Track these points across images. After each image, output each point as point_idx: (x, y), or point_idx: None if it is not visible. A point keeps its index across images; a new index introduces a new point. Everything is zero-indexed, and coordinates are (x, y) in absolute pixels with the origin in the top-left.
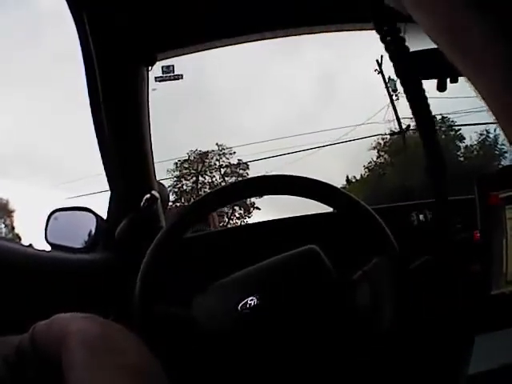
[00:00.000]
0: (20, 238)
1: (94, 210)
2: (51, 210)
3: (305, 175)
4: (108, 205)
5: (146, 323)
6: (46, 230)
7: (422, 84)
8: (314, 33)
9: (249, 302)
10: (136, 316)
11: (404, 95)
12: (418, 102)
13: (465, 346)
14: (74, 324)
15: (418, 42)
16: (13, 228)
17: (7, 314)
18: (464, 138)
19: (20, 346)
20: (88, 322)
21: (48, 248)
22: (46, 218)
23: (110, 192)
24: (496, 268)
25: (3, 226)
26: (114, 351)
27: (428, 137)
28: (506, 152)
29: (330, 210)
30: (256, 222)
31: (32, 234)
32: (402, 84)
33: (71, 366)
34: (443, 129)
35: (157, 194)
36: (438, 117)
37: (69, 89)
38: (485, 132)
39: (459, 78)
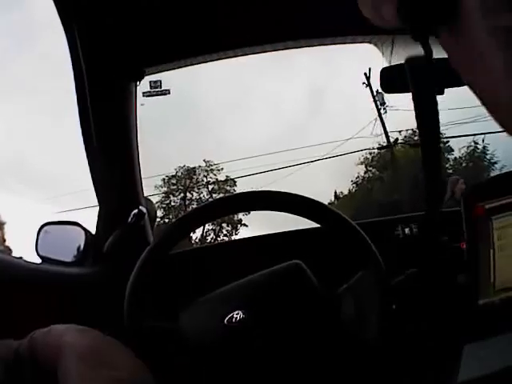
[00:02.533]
0: (11, 251)
1: (82, 224)
2: (41, 224)
3: (293, 191)
4: (96, 220)
5: (134, 337)
6: (36, 243)
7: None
8: (303, 47)
9: (235, 315)
10: (124, 329)
11: (391, 108)
12: (429, 114)
13: (454, 355)
14: (69, 335)
15: (404, 54)
16: (4, 240)
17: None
18: (453, 150)
19: (18, 350)
20: (84, 334)
21: (38, 261)
22: (37, 231)
23: (98, 207)
24: (483, 278)
25: None
26: (108, 365)
27: (430, 150)
28: (495, 163)
29: (316, 225)
30: (242, 237)
31: (22, 247)
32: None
33: (67, 377)
34: None
35: (144, 210)
36: None
37: (59, 101)
38: (473, 144)
39: (445, 89)
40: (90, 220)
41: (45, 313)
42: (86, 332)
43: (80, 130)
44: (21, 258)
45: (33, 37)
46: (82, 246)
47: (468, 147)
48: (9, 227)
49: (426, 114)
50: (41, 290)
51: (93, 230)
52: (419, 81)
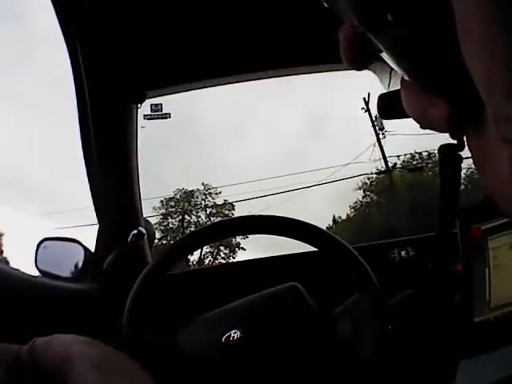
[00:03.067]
0: (8, 262)
1: (81, 241)
2: (41, 239)
3: (291, 215)
4: (96, 238)
5: (133, 353)
6: (35, 257)
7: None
8: (301, 73)
9: (232, 334)
10: (123, 345)
11: (390, 133)
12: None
13: (449, 371)
14: (78, 346)
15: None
16: (1, 251)
17: None
18: None
19: (19, 354)
20: (92, 345)
21: (35, 273)
22: (36, 245)
23: (98, 226)
24: (479, 297)
25: None
26: (120, 372)
27: (449, 168)
28: None
29: (314, 248)
30: (240, 260)
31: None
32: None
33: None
34: (430, 165)
35: (143, 230)
36: (425, 153)
37: (61, 119)
38: (472, 166)
39: None
40: (88, 238)
41: (41, 324)
42: (93, 343)
43: (82, 149)
44: (17, 270)
45: (34, 51)
46: (80, 263)
47: (468, 169)
48: (6, 239)
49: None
50: (38, 302)
51: (91, 248)
52: None
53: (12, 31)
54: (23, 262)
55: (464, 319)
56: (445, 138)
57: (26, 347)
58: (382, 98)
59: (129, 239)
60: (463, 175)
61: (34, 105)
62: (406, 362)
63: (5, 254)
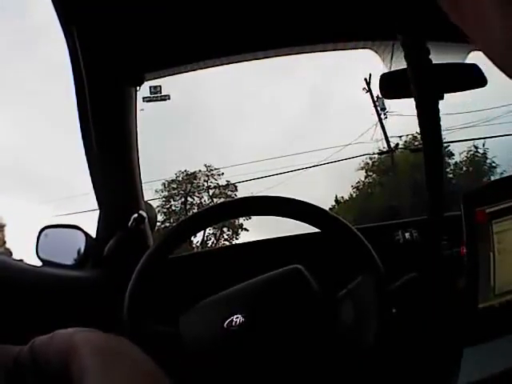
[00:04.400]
0: (11, 253)
1: (82, 227)
2: (42, 227)
3: (293, 196)
4: (97, 223)
5: (134, 340)
6: (36, 246)
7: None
8: (304, 52)
9: (234, 319)
10: (124, 333)
11: (392, 113)
12: (431, 117)
13: (453, 358)
14: (79, 336)
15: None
16: (4, 242)
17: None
18: (453, 155)
19: (19, 356)
20: (93, 334)
21: (39, 264)
22: (37, 234)
23: (98, 211)
24: (483, 282)
25: None
26: (123, 358)
27: (432, 155)
28: (495, 167)
29: (316, 230)
30: (242, 242)
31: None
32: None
33: (84, 373)
34: None
35: (144, 214)
36: None
37: (60, 105)
38: (473, 148)
39: (445, 95)
40: (89, 224)
41: (44, 315)
42: (93, 331)
43: (80, 133)
44: (21, 260)
45: (32, 40)
46: (82, 250)
47: (468, 152)
48: (9, 230)
49: (429, 118)
50: (41, 293)
51: (93, 234)
52: (422, 85)
53: (9, 20)
54: (27, 252)
55: (468, 305)
56: (444, 118)
57: (25, 348)
58: (385, 78)
59: (130, 223)
60: (464, 158)
61: (33, 92)
62: (409, 348)
63: (8, 245)
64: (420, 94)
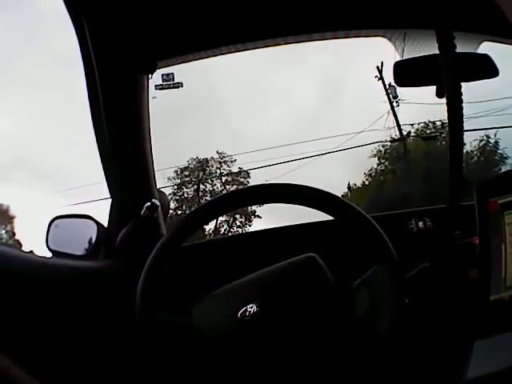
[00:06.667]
0: (21, 245)
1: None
2: (52, 218)
3: (306, 183)
4: (109, 212)
5: (147, 330)
6: (47, 237)
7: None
8: (317, 40)
9: (248, 309)
10: (137, 323)
11: (404, 101)
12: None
13: (463, 351)
14: None
15: (415, 49)
16: (13, 234)
17: (10, 319)
18: (465, 144)
19: None
20: None
21: (49, 255)
22: (47, 225)
23: (110, 200)
24: (495, 273)
25: (4, 232)
26: None
27: (458, 141)
28: (506, 158)
29: (330, 218)
30: (256, 230)
31: (32, 241)
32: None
33: None
34: (443, 135)
35: (157, 202)
36: (438, 123)
37: (71, 94)
38: (485, 138)
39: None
40: (101, 213)
41: (56, 307)
42: None
43: (92, 123)
44: (31, 252)
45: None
46: (93, 239)
47: (480, 141)
48: (18, 221)
49: (457, 106)
50: (51, 284)
51: (104, 223)
52: (452, 73)
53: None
54: (37, 244)
55: (480, 297)
56: None
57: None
58: (398, 65)
59: (142, 212)
60: (476, 147)
61: (43, 83)
62: (420, 339)
63: (17, 237)
64: (451, 82)
